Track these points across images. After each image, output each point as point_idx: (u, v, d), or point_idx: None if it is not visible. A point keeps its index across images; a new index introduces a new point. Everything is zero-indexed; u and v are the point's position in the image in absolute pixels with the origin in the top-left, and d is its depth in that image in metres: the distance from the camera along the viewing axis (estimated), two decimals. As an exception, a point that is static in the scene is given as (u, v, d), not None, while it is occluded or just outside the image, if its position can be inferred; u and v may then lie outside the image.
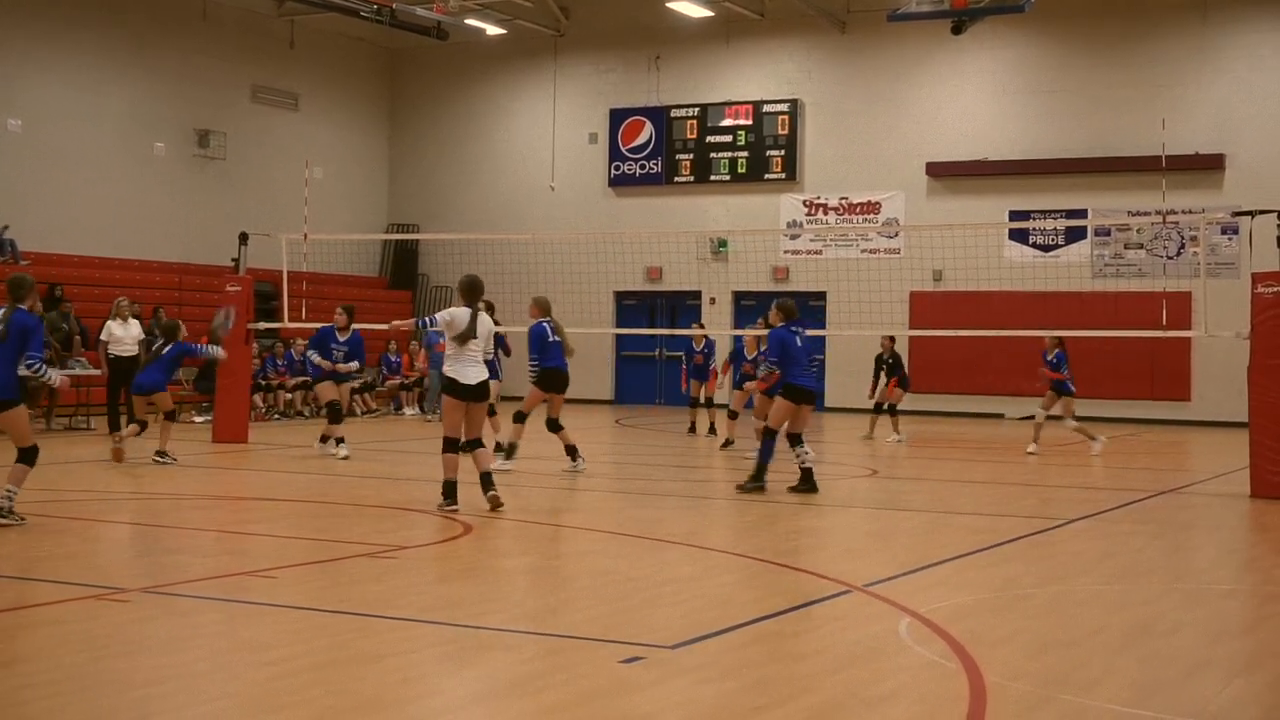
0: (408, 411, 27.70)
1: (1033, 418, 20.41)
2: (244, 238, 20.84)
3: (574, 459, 16.00)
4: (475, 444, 12.58)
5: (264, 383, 25.17)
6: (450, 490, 12.31)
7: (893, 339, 22.53)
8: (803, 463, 14.20)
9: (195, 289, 27.78)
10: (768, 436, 14.53)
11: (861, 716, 6.00)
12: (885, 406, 22.32)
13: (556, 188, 33.21)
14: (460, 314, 12.39)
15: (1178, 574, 10.17)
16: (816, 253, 30.58)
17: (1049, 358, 19.58)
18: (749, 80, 31.61)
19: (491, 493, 12.30)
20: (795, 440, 14.21)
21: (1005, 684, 6.45)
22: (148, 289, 26.63)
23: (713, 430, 22.38)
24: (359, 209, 33.72)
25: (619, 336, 31.43)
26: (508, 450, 16.12)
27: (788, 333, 14.37)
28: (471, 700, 6.26)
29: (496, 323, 15.56)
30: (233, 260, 21.61)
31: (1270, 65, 27.58)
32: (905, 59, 30.06)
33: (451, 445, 12.38)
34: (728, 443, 19.82)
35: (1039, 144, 29.02)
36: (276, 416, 25.16)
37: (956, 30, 24.52)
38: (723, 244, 31.00)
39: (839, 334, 27.78)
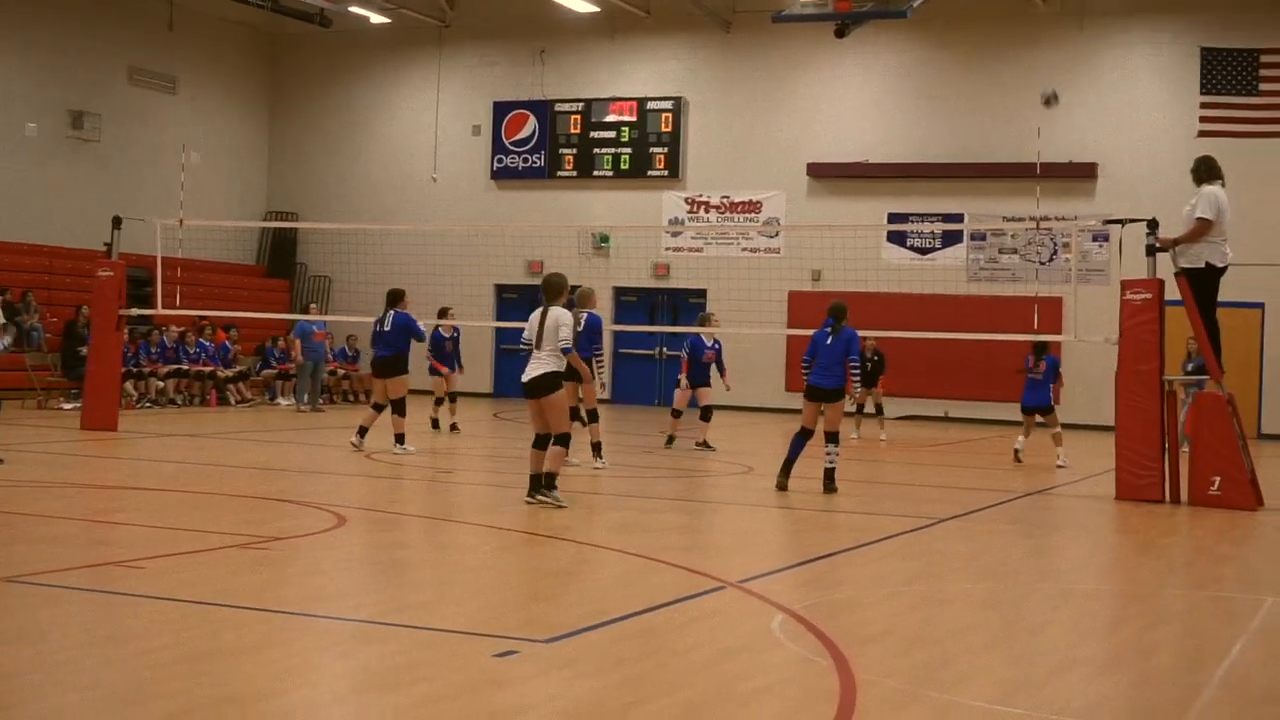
0: (283, 401, 27.34)
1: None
2: (117, 221, 20.42)
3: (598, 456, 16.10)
4: (556, 439, 12.41)
5: (136, 370, 24.75)
6: (534, 481, 12.36)
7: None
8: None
9: (66, 273, 27.15)
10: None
11: (733, 712, 6.04)
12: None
13: (439, 179, 33.01)
14: (532, 318, 12.49)
15: (1044, 574, 10.36)
16: (697, 250, 30.73)
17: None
18: (634, 77, 31.66)
19: (539, 495, 12.29)
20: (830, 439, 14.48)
21: (875, 681, 6.52)
22: (16, 272, 26.00)
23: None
24: (237, 195, 33.18)
25: (498, 330, 31.32)
26: (595, 449, 16.12)
27: (820, 332, 14.62)
28: (343, 693, 6.20)
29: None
30: (105, 244, 21.18)
31: (1142, 77, 28.21)
32: (789, 60, 30.29)
33: (536, 440, 12.47)
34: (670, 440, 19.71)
35: (918, 148, 29.40)
36: (148, 404, 24.76)
37: (840, 33, 24.75)
38: (604, 239, 31.02)
39: (717, 331, 27.79)
